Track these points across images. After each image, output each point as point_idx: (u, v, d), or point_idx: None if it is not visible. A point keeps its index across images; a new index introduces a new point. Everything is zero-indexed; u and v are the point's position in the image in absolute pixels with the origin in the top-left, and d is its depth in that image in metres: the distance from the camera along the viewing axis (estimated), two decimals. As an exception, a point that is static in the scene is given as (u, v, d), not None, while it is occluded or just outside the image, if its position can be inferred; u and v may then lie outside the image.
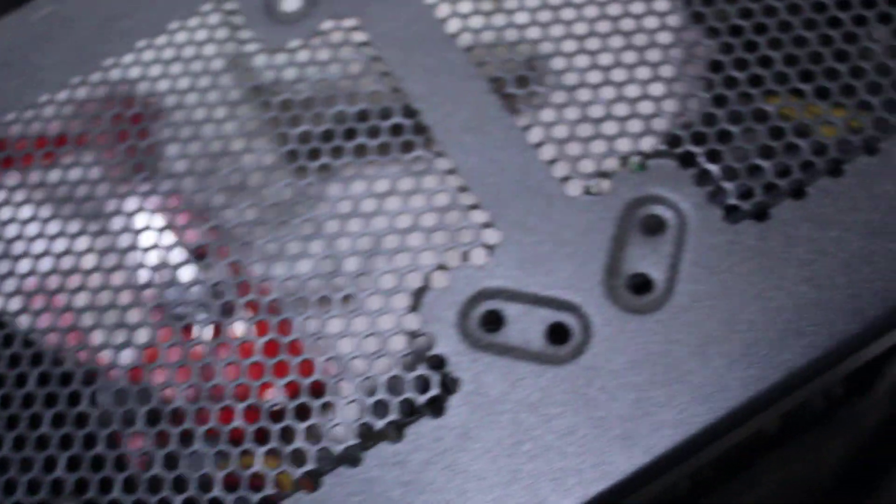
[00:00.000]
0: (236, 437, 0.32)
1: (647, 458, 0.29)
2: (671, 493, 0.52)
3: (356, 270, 0.33)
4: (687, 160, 0.33)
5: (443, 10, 0.37)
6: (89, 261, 0.35)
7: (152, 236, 0.35)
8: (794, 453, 0.54)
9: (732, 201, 0.32)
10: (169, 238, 0.35)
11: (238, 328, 0.33)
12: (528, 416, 0.30)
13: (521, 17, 0.36)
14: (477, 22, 0.36)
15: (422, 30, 0.37)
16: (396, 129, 0.35)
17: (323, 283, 0.33)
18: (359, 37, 0.37)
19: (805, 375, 0.30)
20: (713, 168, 0.33)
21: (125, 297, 0.34)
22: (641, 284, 0.32)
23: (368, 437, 0.31)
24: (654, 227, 0.32)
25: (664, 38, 0.35)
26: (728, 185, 0.32)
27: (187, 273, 0.34)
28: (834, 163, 0.32)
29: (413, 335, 0.32)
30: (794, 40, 0.35)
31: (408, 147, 0.35)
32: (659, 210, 0.32)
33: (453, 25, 0.36)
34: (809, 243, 0.31)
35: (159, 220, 0.35)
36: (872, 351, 0.32)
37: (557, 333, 0.32)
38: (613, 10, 0.36)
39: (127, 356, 0.34)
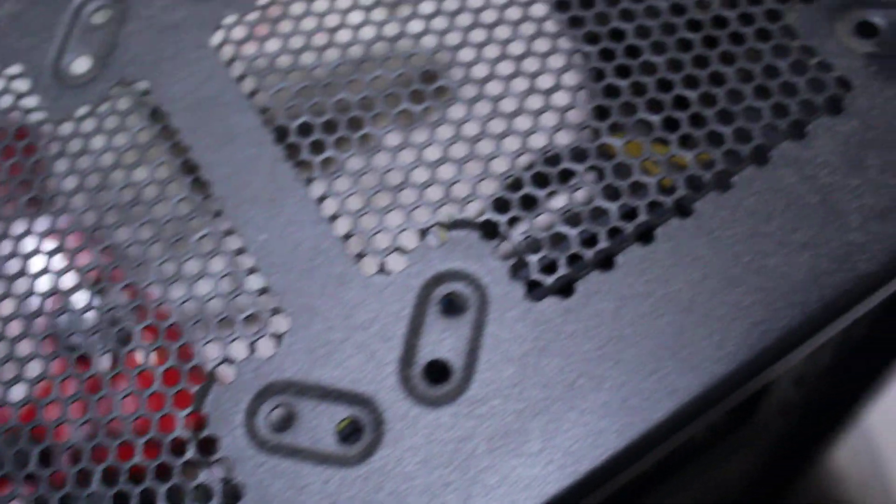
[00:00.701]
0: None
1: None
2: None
3: (136, 367, 0.30)
4: (489, 230, 0.30)
5: (237, 69, 0.34)
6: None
7: (42, 261, 0.32)
8: (695, 473, 0.52)
9: (535, 276, 0.29)
10: (60, 262, 0.32)
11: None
12: (313, 527, 0.28)
13: (319, 74, 0.33)
14: (273, 80, 0.33)
15: (215, 91, 0.34)
16: (183, 205, 0.32)
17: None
18: (149, 101, 0.34)
19: (604, 473, 0.27)
20: (516, 238, 0.30)
21: (13, 328, 0.31)
22: (439, 373, 0.29)
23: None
24: (454, 306, 0.30)
25: (469, 91, 0.32)
26: (530, 259, 0.30)
27: (81, 299, 0.31)
28: (644, 227, 0.30)
29: (196, 438, 0.29)
30: (604, 90, 0.32)
31: (195, 225, 0.32)
32: (459, 287, 0.30)
33: (248, 85, 0.33)
34: (617, 321, 0.29)
35: (49, 244, 0.32)
36: (692, 429, 0.29)
37: (350, 430, 0.29)
38: (418, 60, 0.33)
39: (17, 392, 0.31)
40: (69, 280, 0.32)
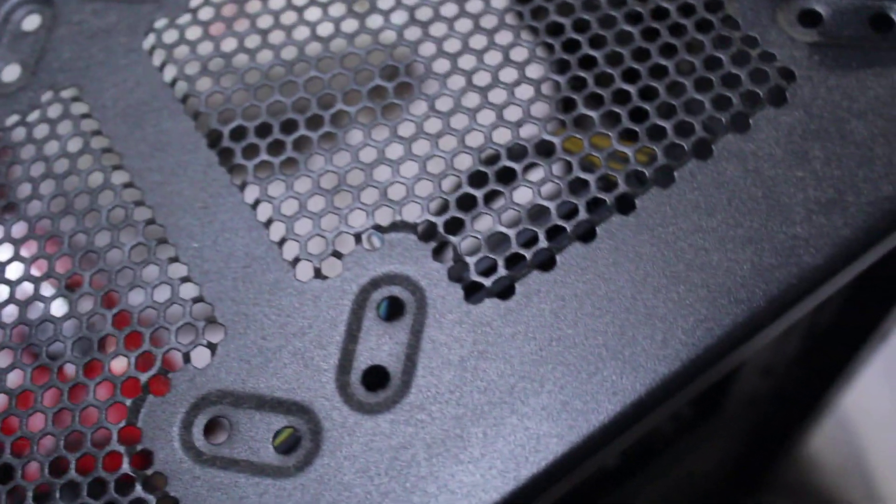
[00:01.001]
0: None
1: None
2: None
3: (68, 381, 0.30)
4: (427, 232, 0.30)
5: (169, 72, 0.33)
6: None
7: (11, 270, 0.32)
8: (669, 462, 0.52)
9: (474, 278, 0.29)
10: (30, 271, 0.32)
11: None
12: (251, 540, 0.28)
13: (252, 77, 0.33)
14: (206, 84, 0.33)
15: (147, 95, 0.33)
16: (115, 214, 0.32)
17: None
18: (79, 108, 0.33)
19: (546, 478, 0.27)
20: (454, 241, 0.30)
21: None
22: (377, 379, 0.29)
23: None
24: (392, 311, 0.30)
25: (405, 91, 0.32)
26: (469, 261, 0.29)
27: (54, 307, 0.31)
28: (585, 225, 0.30)
29: (130, 451, 0.29)
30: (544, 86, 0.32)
31: (127, 235, 0.31)
32: (397, 291, 0.29)
33: (180, 89, 0.33)
34: (557, 322, 0.29)
35: (18, 253, 0.32)
36: (641, 428, 0.29)
37: (291, 443, 0.29)
38: (352, 61, 0.33)
39: None
40: None
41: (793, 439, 0.68)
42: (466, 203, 0.30)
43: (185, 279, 0.31)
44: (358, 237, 0.30)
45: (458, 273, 0.30)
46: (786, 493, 0.72)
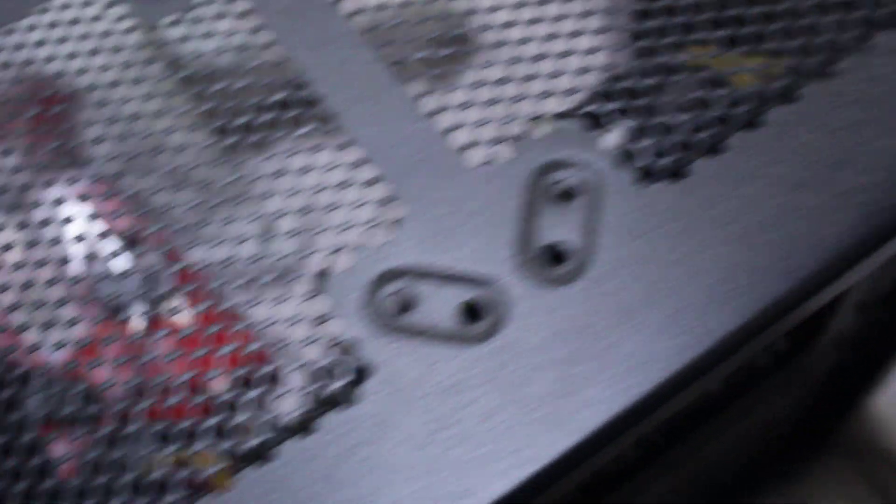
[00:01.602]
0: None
1: (571, 441, 0.30)
2: (616, 462, 0.53)
3: (254, 256, 0.33)
4: (595, 120, 0.33)
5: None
6: (14, 256, 0.35)
7: (80, 225, 0.35)
8: (744, 409, 0.55)
9: (645, 162, 0.32)
10: (98, 226, 0.34)
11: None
12: (446, 402, 0.31)
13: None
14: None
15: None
16: (286, 104, 0.35)
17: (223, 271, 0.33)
18: (241, 6, 0.36)
19: (735, 342, 0.30)
20: (623, 127, 0.33)
21: (56, 292, 0.34)
22: (556, 255, 0.32)
23: (278, 431, 0.31)
24: (565, 193, 0.33)
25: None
26: (639, 145, 0.33)
27: (120, 262, 0.34)
28: (750, 114, 0.33)
29: (320, 321, 0.32)
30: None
31: (300, 121, 0.34)
32: (569, 175, 0.33)
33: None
34: (729, 202, 0.32)
35: (86, 208, 0.35)
36: (806, 309, 0.32)
37: (470, 311, 0.32)
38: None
39: (61, 353, 0.33)
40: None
41: (863, 393, 0.71)
42: (633, 92, 0.34)
43: (362, 161, 0.34)
44: (526, 124, 0.33)
45: (627, 157, 0.33)
46: (848, 454, 0.75)
